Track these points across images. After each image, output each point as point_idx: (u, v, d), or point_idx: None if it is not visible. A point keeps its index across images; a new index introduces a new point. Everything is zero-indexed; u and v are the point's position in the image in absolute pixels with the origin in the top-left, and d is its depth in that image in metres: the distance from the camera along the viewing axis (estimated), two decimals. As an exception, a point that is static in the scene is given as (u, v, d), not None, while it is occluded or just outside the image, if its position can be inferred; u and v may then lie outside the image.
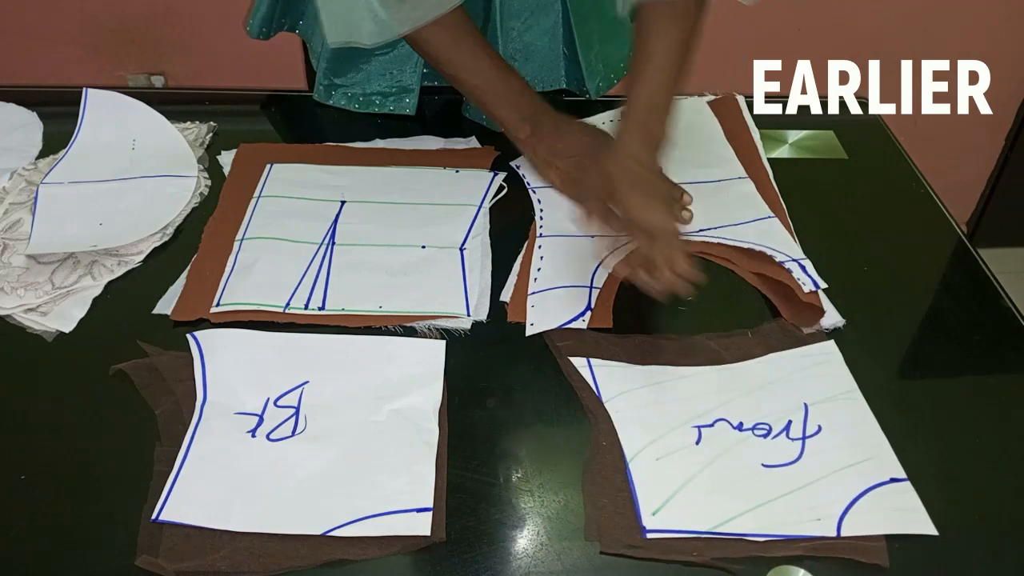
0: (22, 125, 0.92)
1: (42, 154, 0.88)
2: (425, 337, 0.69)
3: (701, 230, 0.79)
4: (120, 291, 0.73)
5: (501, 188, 0.85)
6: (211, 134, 0.91)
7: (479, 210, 0.82)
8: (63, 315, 0.70)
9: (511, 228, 0.81)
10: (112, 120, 0.88)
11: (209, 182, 0.85)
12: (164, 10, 1.52)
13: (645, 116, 0.74)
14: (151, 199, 0.81)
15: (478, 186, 0.85)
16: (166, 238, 0.78)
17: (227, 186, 0.84)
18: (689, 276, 0.65)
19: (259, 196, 0.83)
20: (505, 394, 0.65)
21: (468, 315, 0.70)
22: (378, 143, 0.91)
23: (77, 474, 0.59)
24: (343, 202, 0.82)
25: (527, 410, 0.64)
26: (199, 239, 0.77)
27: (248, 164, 0.87)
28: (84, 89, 0.89)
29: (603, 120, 0.95)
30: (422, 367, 0.66)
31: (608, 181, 0.71)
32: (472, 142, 0.92)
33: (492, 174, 0.87)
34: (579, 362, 0.67)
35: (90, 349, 0.68)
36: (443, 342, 0.68)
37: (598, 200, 0.73)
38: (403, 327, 0.70)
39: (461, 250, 0.77)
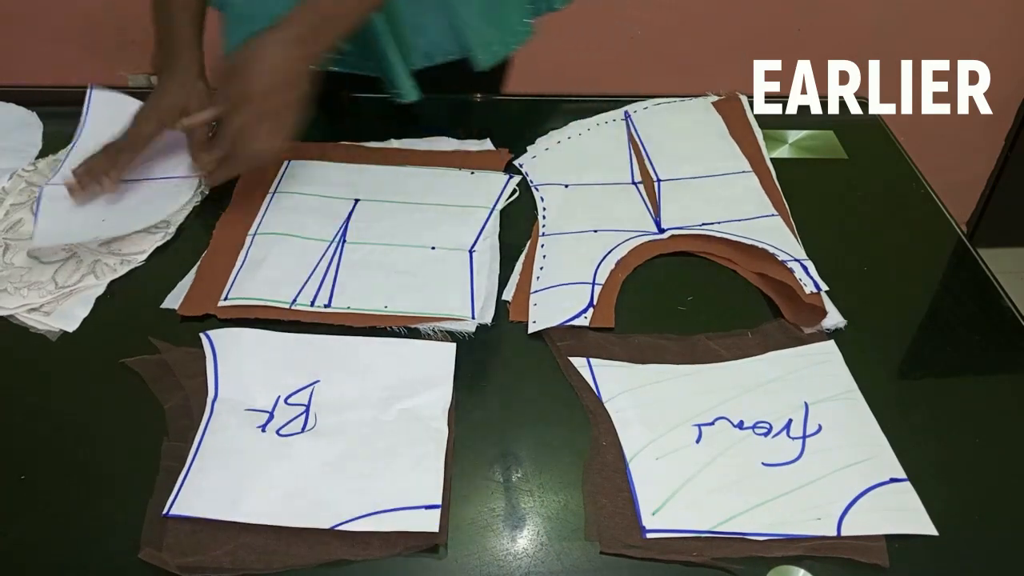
0: (22, 125, 0.92)
1: (42, 154, 0.88)
2: (430, 338, 0.69)
3: (704, 224, 0.80)
4: (123, 290, 0.73)
5: (514, 191, 0.85)
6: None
7: (491, 213, 0.82)
8: (66, 315, 0.70)
9: (514, 227, 0.81)
10: (115, 119, 0.88)
11: (210, 181, 0.85)
12: (164, 10, 1.52)
13: (319, 19, 0.76)
14: (153, 198, 0.82)
15: (492, 188, 0.85)
16: (168, 237, 0.78)
17: (241, 182, 0.84)
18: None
19: (274, 191, 0.83)
20: (505, 394, 0.65)
21: (473, 318, 0.70)
22: (393, 143, 0.91)
23: (80, 471, 0.59)
24: (356, 200, 0.82)
25: (527, 410, 0.65)
26: (201, 237, 0.78)
27: None
28: (89, 86, 0.89)
29: (603, 120, 0.95)
30: (432, 369, 0.66)
31: (242, 65, 0.73)
32: (487, 144, 0.92)
33: (507, 177, 0.87)
34: (579, 362, 0.67)
35: (94, 348, 0.68)
36: (453, 345, 0.68)
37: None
38: (407, 328, 0.70)
39: (470, 252, 0.77)
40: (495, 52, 0.96)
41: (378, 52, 0.90)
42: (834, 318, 0.71)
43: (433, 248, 0.77)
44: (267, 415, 0.62)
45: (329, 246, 0.77)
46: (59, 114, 0.92)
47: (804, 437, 0.62)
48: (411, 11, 0.91)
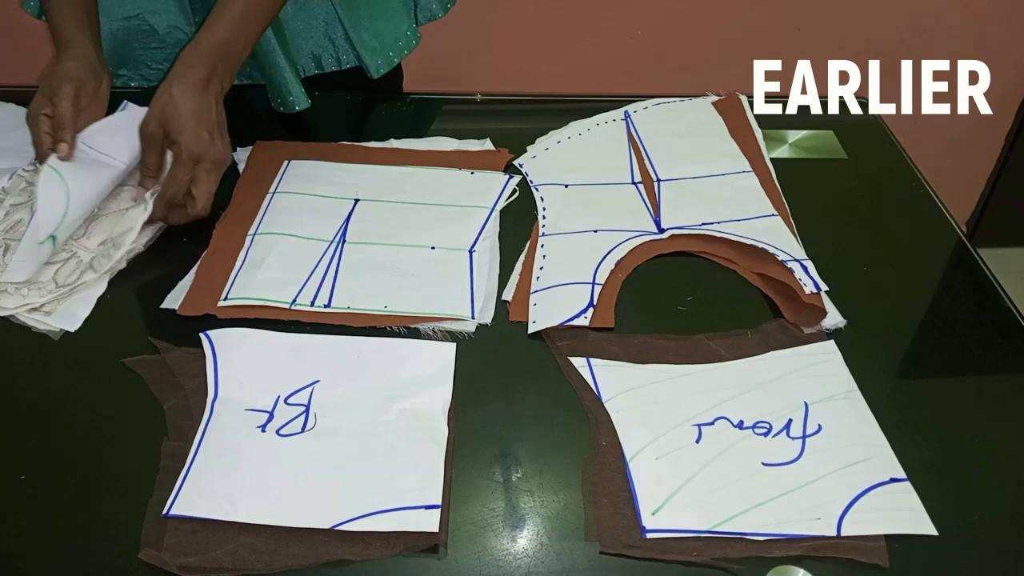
0: (22, 125, 0.91)
1: (42, 154, 0.87)
2: (430, 338, 0.69)
3: (704, 224, 0.80)
4: (123, 290, 0.73)
5: (513, 191, 0.85)
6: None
7: (491, 212, 0.82)
8: (68, 314, 0.70)
9: (514, 228, 0.81)
10: (122, 127, 0.87)
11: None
12: (164, 10, 1.52)
13: (218, 56, 0.77)
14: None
15: (491, 188, 0.85)
16: (149, 212, 0.77)
17: (241, 182, 0.85)
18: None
19: (274, 192, 0.83)
20: (505, 394, 0.66)
21: (472, 318, 0.70)
22: (393, 143, 0.92)
23: (80, 471, 0.59)
24: (356, 200, 0.83)
25: (527, 410, 0.65)
26: (201, 238, 0.77)
27: (263, 161, 0.87)
28: (124, 102, 0.87)
29: (603, 120, 0.95)
30: (432, 369, 0.66)
31: (163, 114, 0.74)
32: (487, 144, 0.92)
33: (507, 177, 0.87)
34: (579, 362, 0.67)
35: (94, 348, 0.68)
36: (453, 345, 0.68)
37: (158, 131, 0.75)
38: (407, 328, 0.70)
39: (470, 252, 0.77)
40: (379, 66, 0.97)
41: (263, 57, 0.91)
42: (834, 318, 0.71)
43: (433, 248, 0.77)
44: (267, 415, 0.62)
45: (329, 246, 0.77)
46: (59, 114, 0.92)
47: (804, 437, 0.62)
48: (298, 16, 0.93)
